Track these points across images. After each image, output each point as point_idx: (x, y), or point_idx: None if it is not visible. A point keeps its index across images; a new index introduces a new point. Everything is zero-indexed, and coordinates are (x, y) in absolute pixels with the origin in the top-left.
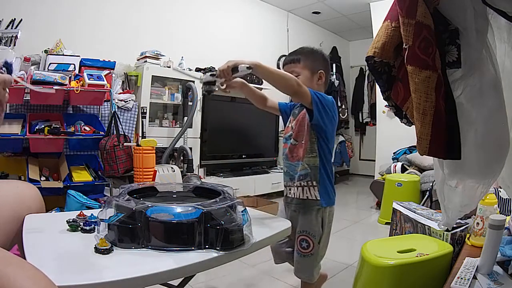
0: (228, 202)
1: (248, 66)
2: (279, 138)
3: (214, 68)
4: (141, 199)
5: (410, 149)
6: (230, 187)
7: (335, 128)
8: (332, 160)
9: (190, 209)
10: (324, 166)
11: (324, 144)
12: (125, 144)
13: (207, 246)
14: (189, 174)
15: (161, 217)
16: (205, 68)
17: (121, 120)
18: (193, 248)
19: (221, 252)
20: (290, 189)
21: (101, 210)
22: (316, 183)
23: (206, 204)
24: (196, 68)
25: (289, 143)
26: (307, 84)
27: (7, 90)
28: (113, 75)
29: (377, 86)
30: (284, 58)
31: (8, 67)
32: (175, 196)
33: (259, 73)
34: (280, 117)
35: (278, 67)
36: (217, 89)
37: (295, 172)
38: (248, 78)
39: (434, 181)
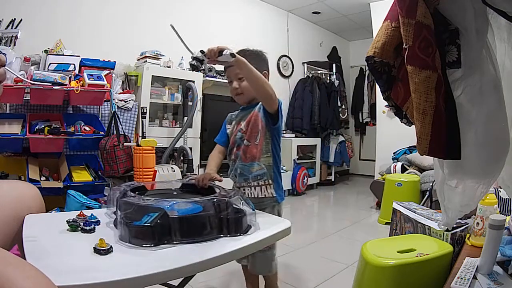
0: (233, 194)
1: (232, 53)
2: None
3: (203, 50)
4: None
5: (410, 149)
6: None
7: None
8: (333, 160)
9: (209, 202)
10: (276, 164)
11: (277, 143)
12: (125, 144)
13: (227, 234)
14: (189, 174)
15: (189, 212)
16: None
17: (121, 120)
18: (221, 235)
19: (239, 236)
20: (244, 190)
21: (126, 212)
22: (271, 181)
23: (222, 196)
24: None
25: (242, 145)
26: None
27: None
28: (113, 75)
29: (377, 86)
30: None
31: None
32: (175, 193)
33: (240, 67)
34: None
35: (278, 67)
36: (203, 68)
37: (249, 173)
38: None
39: (434, 181)
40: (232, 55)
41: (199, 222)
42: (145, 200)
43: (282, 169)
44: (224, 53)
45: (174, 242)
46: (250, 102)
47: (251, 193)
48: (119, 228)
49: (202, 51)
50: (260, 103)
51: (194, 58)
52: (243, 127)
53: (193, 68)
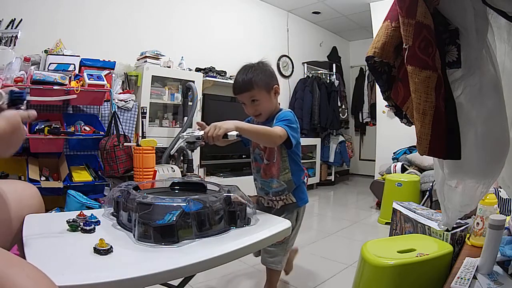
0: (233, 189)
1: (237, 134)
2: None
3: (199, 136)
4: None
5: (410, 149)
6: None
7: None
8: (333, 160)
9: (218, 198)
10: (296, 175)
11: (294, 156)
12: (125, 144)
13: (233, 226)
14: (189, 174)
15: (203, 209)
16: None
17: (121, 120)
18: (232, 227)
19: (245, 227)
20: (266, 201)
21: (144, 212)
22: (291, 192)
23: (226, 191)
24: (196, 68)
25: (261, 162)
26: (267, 105)
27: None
28: (113, 75)
29: (377, 86)
30: (233, 86)
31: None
32: (177, 191)
33: (244, 133)
34: None
35: (278, 67)
36: (200, 145)
37: (270, 188)
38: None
39: (434, 181)
40: (238, 135)
41: (212, 216)
42: (162, 200)
43: None
44: (230, 134)
45: (193, 237)
46: (268, 118)
47: (273, 205)
48: (137, 228)
49: (197, 137)
50: (275, 120)
51: (187, 143)
52: (261, 145)
53: (192, 150)
